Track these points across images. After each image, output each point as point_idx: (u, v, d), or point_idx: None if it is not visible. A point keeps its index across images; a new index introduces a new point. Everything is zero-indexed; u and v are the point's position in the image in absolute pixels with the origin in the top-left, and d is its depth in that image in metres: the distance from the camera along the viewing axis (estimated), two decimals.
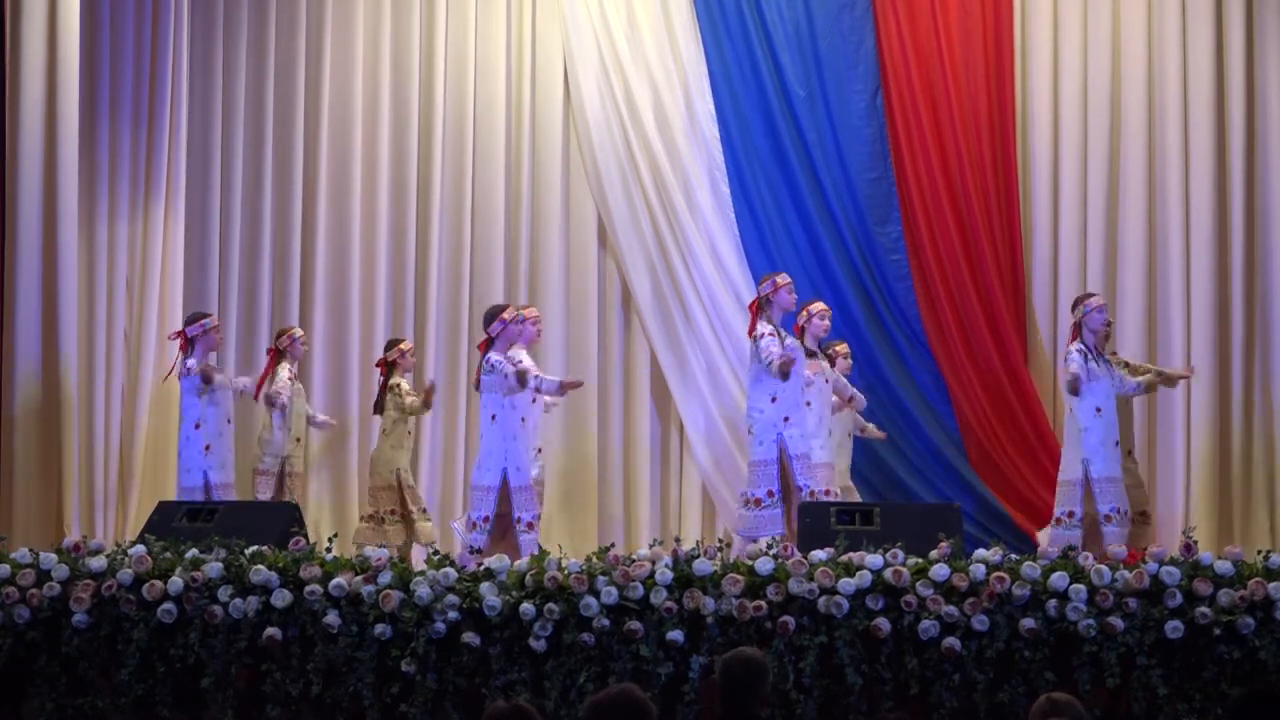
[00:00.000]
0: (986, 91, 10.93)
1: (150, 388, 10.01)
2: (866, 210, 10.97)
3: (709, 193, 11.03)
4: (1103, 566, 6.83)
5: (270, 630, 6.99)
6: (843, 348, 9.97)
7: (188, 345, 9.23)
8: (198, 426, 9.13)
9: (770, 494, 8.54)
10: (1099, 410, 8.68)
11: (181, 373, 9.22)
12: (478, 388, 8.66)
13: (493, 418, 8.54)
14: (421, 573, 7.05)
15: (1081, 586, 6.72)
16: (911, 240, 10.91)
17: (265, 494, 9.61)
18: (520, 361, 8.82)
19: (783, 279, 9.00)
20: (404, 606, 6.94)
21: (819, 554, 6.97)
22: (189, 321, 9.38)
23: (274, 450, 9.72)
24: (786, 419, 8.62)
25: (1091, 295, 9.18)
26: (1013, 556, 6.98)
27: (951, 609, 6.73)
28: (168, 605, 7.06)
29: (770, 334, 8.76)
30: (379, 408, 9.98)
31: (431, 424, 10.72)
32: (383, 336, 10.85)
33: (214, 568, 7.13)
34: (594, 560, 7.06)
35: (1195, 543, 7.00)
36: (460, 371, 11.04)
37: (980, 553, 6.92)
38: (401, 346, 10.08)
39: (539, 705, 6.67)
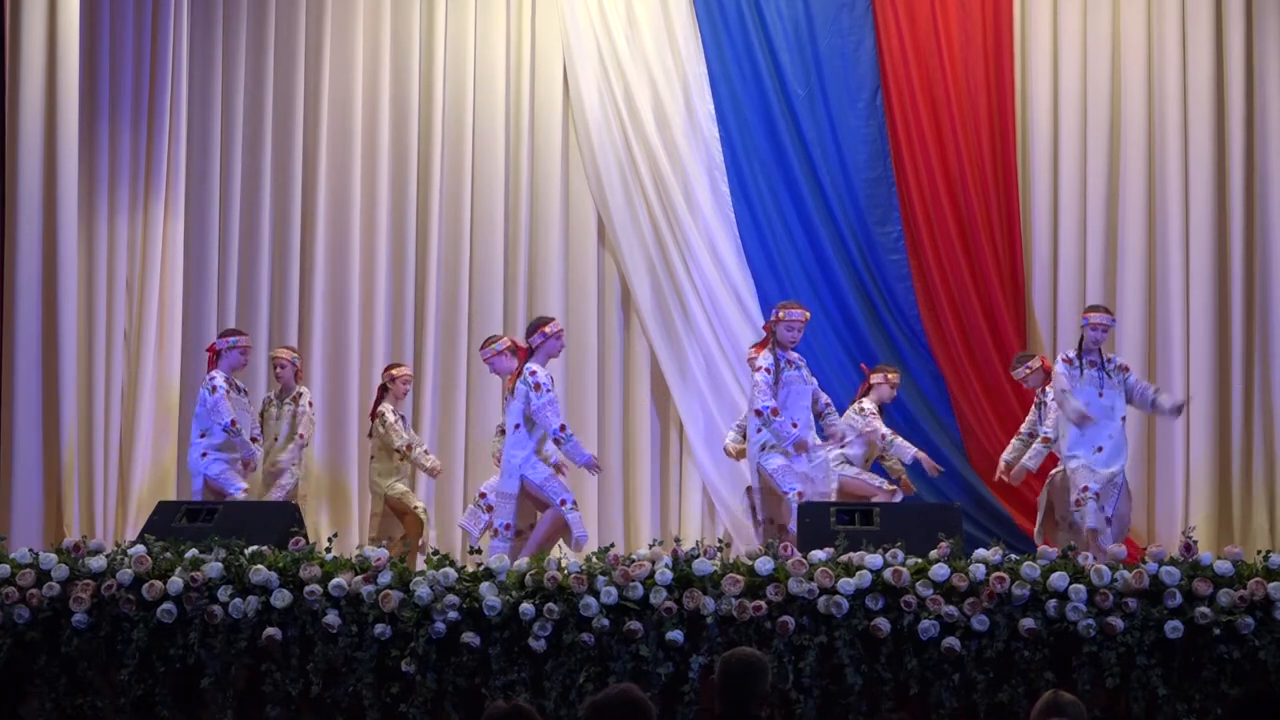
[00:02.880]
0: (986, 91, 10.94)
1: (151, 387, 10.00)
2: (866, 210, 10.97)
3: (709, 192, 11.04)
4: (1102, 566, 6.84)
5: (270, 630, 6.99)
6: (893, 376, 9.82)
7: (215, 359, 9.20)
8: (203, 435, 9.08)
9: (770, 521, 8.60)
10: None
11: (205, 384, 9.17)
12: (512, 393, 8.49)
13: (516, 427, 8.39)
14: (421, 573, 7.05)
15: (1081, 586, 6.73)
16: (911, 240, 10.92)
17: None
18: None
19: (786, 313, 8.67)
20: (404, 606, 6.94)
21: (819, 554, 6.97)
22: (220, 336, 9.39)
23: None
24: (763, 447, 8.56)
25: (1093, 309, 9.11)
26: (1012, 556, 6.98)
27: (951, 609, 6.73)
28: (167, 605, 7.06)
29: (769, 366, 8.59)
30: (371, 432, 9.97)
31: (429, 426, 10.73)
32: (382, 335, 10.86)
33: (214, 568, 7.13)
34: (594, 560, 7.06)
35: (1195, 543, 7.00)
36: (458, 371, 11.04)
37: (980, 553, 6.93)
38: (394, 372, 9.93)
39: (539, 705, 6.68)
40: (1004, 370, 10.55)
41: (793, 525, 8.15)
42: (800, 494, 8.36)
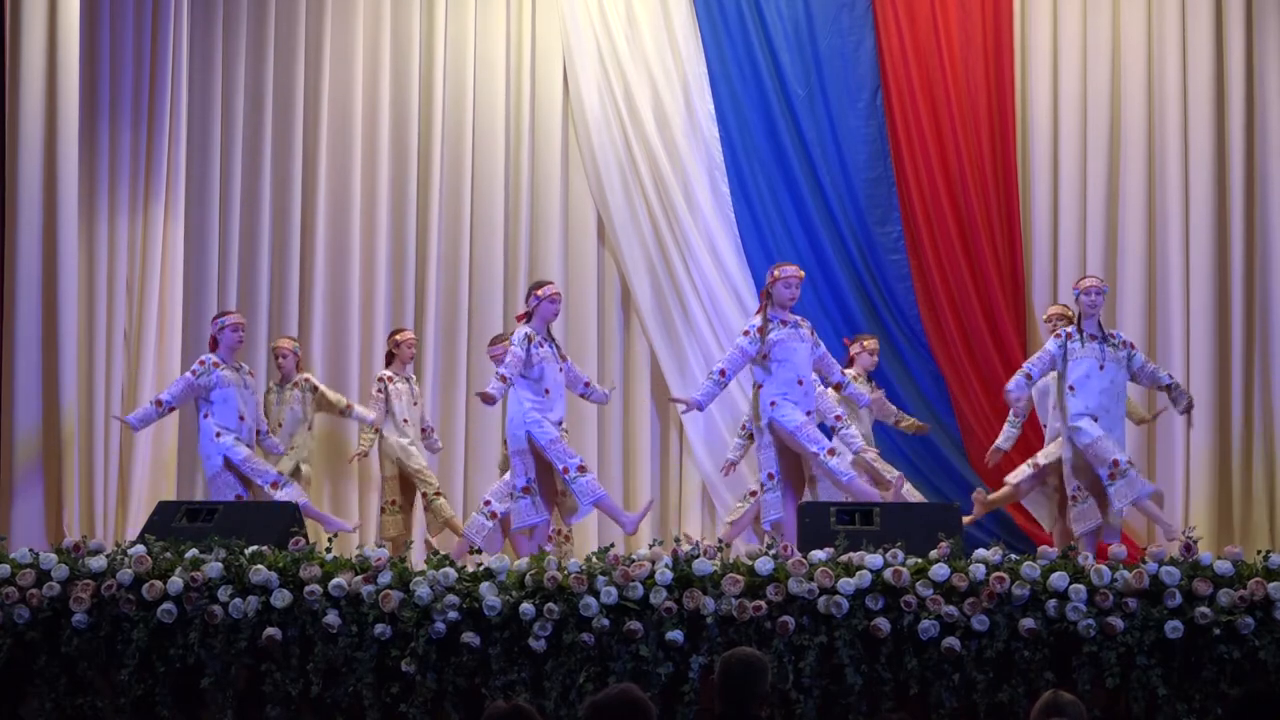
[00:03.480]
0: (986, 91, 10.94)
1: (151, 387, 9.99)
2: (866, 210, 10.98)
3: (709, 192, 11.05)
4: (1102, 566, 6.84)
5: (270, 630, 6.99)
6: (870, 343, 9.81)
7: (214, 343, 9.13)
8: (206, 416, 9.01)
9: (770, 476, 8.42)
10: (1071, 389, 8.58)
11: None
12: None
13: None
14: (421, 573, 7.05)
15: (1081, 586, 6.72)
16: (911, 240, 10.93)
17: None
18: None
19: (781, 271, 8.57)
20: (404, 606, 6.95)
21: (819, 554, 6.97)
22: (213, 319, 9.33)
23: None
24: (773, 403, 8.39)
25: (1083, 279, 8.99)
26: (1012, 556, 6.98)
27: (951, 609, 6.73)
28: (168, 605, 7.06)
29: (751, 329, 8.47)
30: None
31: (431, 422, 10.72)
32: (382, 335, 10.86)
33: (214, 568, 7.13)
34: (594, 560, 7.06)
35: (1195, 543, 7.00)
36: (458, 369, 11.05)
37: (980, 553, 6.92)
38: (398, 337, 10.08)
39: (539, 705, 6.68)
40: (1004, 370, 10.55)
41: (823, 484, 8.12)
42: (832, 451, 8.26)
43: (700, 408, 8.72)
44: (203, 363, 9.00)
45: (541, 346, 8.36)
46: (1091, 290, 8.62)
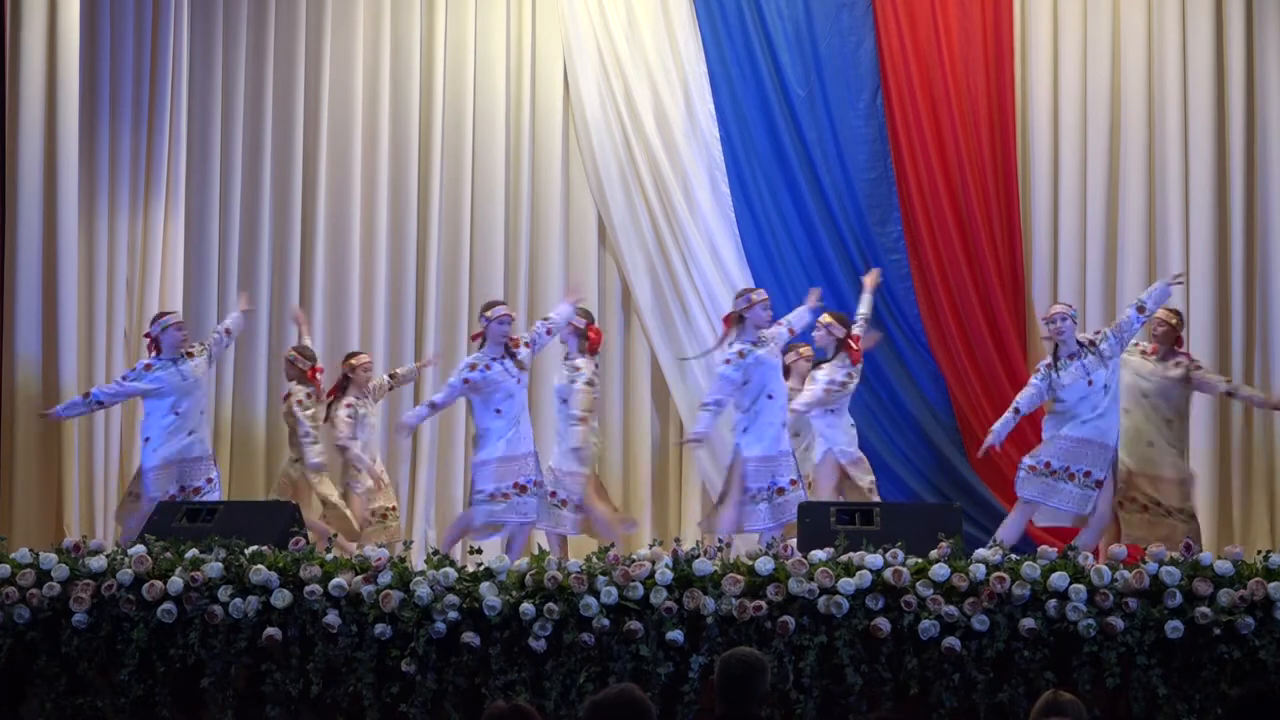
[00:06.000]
0: (986, 91, 10.93)
1: None
2: (866, 210, 10.97)
3: (709, 192, 11.04)
4: (1103, 566, 6.85)
5: (270, 630, 7.00)
6: (805, 350, 9.73)
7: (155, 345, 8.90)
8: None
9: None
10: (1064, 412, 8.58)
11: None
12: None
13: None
14: (421, 573, 7.06)
15: (1081, 586, 6.73)
16: (911, 240, 10.92)
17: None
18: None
19: (759, 295, 8.80)
20: (404, 606, 6.95)
21: (819, 554, 6.97)
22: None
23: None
24: (745, 429, 8.58)
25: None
26: (1013, 556, 6.98)
27: (951, 609, 6.73)
28: (167, 605, 7.07)
29: (730, 360, 8.60)
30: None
31: (429, 424, 10.71)
32: (382, 334, 10.87)
33: (214, 568, 7.14)
34: (594, 560, 7.07)
35: (1195, 542, 7.01)
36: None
37: (980, 553, 6.93)
38: (353, 361, 9.64)
39: (539, 705, 6.68)
40: (1004, 370, 10.56)
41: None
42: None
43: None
44: (135, 368, 8.88)
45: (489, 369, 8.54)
46: (1056, 318, 8.57)
